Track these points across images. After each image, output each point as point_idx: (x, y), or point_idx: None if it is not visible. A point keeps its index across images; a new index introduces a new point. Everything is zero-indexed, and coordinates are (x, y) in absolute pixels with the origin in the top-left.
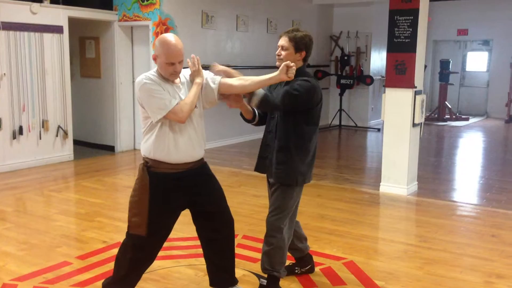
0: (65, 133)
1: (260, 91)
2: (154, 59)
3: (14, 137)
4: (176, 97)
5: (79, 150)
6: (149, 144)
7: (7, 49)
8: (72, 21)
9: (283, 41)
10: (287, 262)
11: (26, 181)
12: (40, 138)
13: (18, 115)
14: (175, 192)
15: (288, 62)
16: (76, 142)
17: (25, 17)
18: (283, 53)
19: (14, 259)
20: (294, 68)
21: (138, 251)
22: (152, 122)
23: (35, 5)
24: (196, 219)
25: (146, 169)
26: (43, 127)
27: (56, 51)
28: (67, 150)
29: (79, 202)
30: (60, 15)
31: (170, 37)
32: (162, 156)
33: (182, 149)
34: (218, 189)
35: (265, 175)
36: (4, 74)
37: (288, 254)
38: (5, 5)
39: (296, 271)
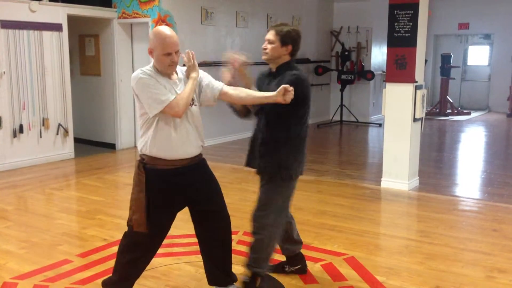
0: (66, 131)
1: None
2: (150, 52)
3: (14, 136)
4: (173, 93)
5: (80, 148)
6: (145, 140)
7: (6, 47)
8: (71, 19)
9: (270, 35)
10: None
11: (27, 179)
12: (41, 136)
13: (19, 114)
14: (172, 189)
15: (287, 86)
16: (76, 140)
17: (24, 15)
18: (269, 46)
19: (15, 257)
20: (292, 92)
21: (137, 250)
22: (149, 117)
23: (34, 3)
24: (194, 218)
25: (142, 166)
26: (43, 125)
27: (55, 49)
28: (67, 148)
29: (80, 200)
30: (59, 13)
31: (163, 28)
32: (158, 152)
33: (178, 145)
34: (216, 187)
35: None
36: (4, 72)
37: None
38: (4, 3)
39: (286, 269)
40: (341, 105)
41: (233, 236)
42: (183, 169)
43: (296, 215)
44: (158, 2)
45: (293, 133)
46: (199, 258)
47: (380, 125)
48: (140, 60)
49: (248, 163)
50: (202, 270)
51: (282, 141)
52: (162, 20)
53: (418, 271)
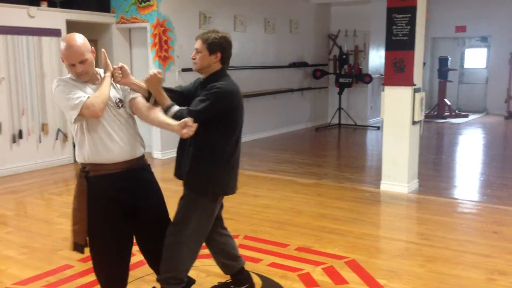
0: (65, 136)
1: (174, 109)
2: (62, 61)
3: (14, 141)
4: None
5: None
6: (81, 149)
7: (5, 53)
8: (70, 24)
9: (197, 44)
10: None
11: (27, 184)
12: (40, 142)
13: (18, 119)
14: (116, 193)
15: (188, 119)
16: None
17: (22, 20)
18: (197, 56)
19: (16, 263)
20: (193, 128)
21: (108, 265)
22: (74, 124)
23: (33, 9)
24: (136, 227)
25: (83, 175)
26: (42, 130)
27: (54, 54)
28: (67, 153)
29: None
30: (58, 18)
31: (69, 37)
32: (96, 157)
33: (112, 148)
34: (158, 194)
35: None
36: (3, 78)
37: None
38: (2, 8)
39: None
40: (339, 109)
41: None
42: (127, 172)
43: (296, 219)
44: (156, 7)
45: (219, 148)
46: (200, 262)
47: (378, 128)
48: (139, 65)
49: (176, 173)
50: (204, 274)
51: (212, 155)
52: (160, 25)
53: (419, 274)
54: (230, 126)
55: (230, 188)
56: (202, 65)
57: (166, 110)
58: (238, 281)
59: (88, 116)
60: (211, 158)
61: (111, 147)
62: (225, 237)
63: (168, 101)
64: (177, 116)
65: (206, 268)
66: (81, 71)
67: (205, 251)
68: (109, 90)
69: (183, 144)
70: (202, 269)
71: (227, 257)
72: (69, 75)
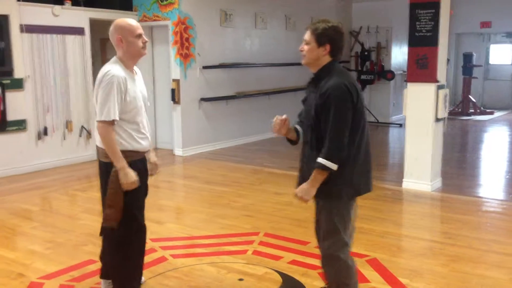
0: (88, 133)
1: (321, 161)
2: (120, 41)
3: (39, 138)
4: (136, 91)
5: None
6: (119, 136)
7: (30, 51)
8: (93, 23)
9: (306, 34)
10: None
11: (51, 180)
12: (64, 139)
13: (43, 116)
14: (146, 177)
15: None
16: None
17: (47, 19)
18: (305, 47)
19: (41, 257)
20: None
21: (138, 250)
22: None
23: (57, 8)
24: None
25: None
26: (66, 127)
27: (78, 52)
28: (90, 150)
29: None
30: (82, 17)
31: (123, 18)
32: (134, 145)
33: (144, 137)
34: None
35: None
36: (28, 76)
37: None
38: (28, 8)
39: None
40: None
41: (253, 237)
42: (145, 160)
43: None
44: (177, 5)
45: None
46: (220, 259)
47: (400, 125)
48: (160, 62)
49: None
50: (224, 271)
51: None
52: (182, 23)
53: (441, 273)
54: (354, 124)
55: (362, 187)
56: (310, 57)
57: (324, 168)
58: None
59: (99, 128)
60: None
61: (144, 136)
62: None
63: (319, 173)
64: (328, 158)
65: (226, 264)
66: (146, 41)
67: (225, 248)
68: (115, 158)
69: (303, 152)
70: (222, 266)
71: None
72: (120, 66)
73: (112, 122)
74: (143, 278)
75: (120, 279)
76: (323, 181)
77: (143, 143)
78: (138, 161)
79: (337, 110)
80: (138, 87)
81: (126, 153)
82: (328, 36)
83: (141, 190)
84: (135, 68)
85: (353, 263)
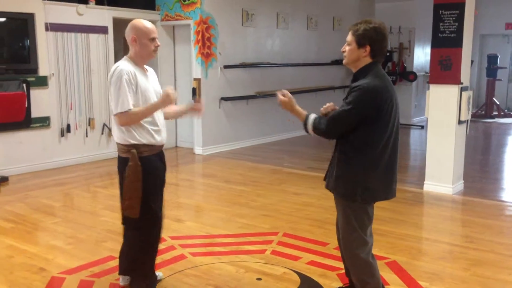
0: (110, 130)
1: (311, 117)
2: (134, 40)
3: (62, 135)
4: (147, 85)
5: None
6: (136, 131)
7: (55, 49)
8: (116, 22)
9: (348, 35)
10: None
11: (73, 177)
12: (87, 136)
13: (66, 114)
14: (163, 171)
15: (167, 90)
16: None
17: (71, 18)
18: (346, 48)
19: (62, 253)
20: (172, 96)
21: (155, 239)
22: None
23: (81, 7)
24: None
25: (137, 156)
26: (89, 125)
27: (101, 51)
28: (111, 147)
29: None
30: (105, 16)
31: (140, 19)
32: (150, 139)
33: (160, 132)
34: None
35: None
36: (53, 74)
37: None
38: (52, 6)
39: None
40: None
41: (272, 237)
42: (162, 153)
43: (336, 217)
44: (200, 4)
45: (366, 150)
46: (239, 258)
47: (422, 127)
48: (182, 61)
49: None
50: (243, 270)
51: (353, 159)
52: (203, 22)
53: (462, 278)
54: (377, 127)
55: (381, 193)
56: (350, 58)
57: (305, 122)
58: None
59: (119, 120)
60: (358, 161)
61: (160, 130)
62: None
63: (304, 113)
64: (315, 124)
65: (245, 264)
66: (158, 45)
67: (244, 247)
68: (151, 114)
69: (335, 146)
70: (240, 265)
71: None
72: (129, 62)
73: (128, 112)
74: (161, 274)
75: (139, 270)
76: (341, 180)
77: (157, 138)
78: (154, 155)
79: (352, 105)
80: (151, 83)
81: (141, 148)
82: (368, 37)
83: (157, 184)
84: (146, 66)
85: (374, 261)
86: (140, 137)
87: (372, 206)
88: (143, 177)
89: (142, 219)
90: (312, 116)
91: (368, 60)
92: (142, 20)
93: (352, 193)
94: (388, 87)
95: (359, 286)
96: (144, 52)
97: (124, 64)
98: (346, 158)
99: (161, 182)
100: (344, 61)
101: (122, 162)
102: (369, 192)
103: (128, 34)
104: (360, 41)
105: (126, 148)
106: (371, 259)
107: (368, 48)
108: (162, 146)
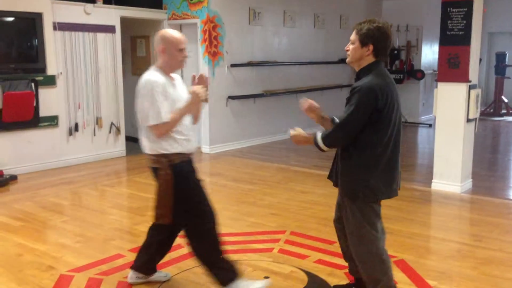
0: (118, 129)
1: (317, 136)
2: (163, 51)
3: (70, 134)
4: (176, 95)
5: (131, 146)
6: (167, 140)
7: (62, 48)
8: (123, 21)
9: (352, 34)
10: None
11: (81, 176)
12: (95, 135)
13: (74, 113)
14: (194, 177)
15: (194, 88)
16: (128, 139)
17: (79, 17)
18: (350, 47)
19: (71, 251)
20: (202, 92)
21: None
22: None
23: (89, 6)
24: None
25: (168, 164)
26: (97, 124)
27: (109, 50)
28: (119, 146)
29: (131, 197)
30: (113, 15)
31: (170, 30)
32: (180, 148)
33: (190, 140)
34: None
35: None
36: (61, 73)
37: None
38: (60, 6)
39: None
40: None
41: (280, 236)
42: (192, 161)
43: None
44: (207, 3)
45: (368, 149)
46: (247, 256)
47: (430, 125)
48: (189, 60)
49: (330, 178)
50: (250, 268)
51: (356, 157)
52: (210, 21)
53: (471, 276)
54: (379, 126)
55: (382, 191)
56: (353, 57)
57: (315, 143)
58: (361, 286)
59: (156, 131)
60: (359, 160)
61: (189, 139)
62: None
63: (310, 136)
64: (324, 139)
65: (252, 262)
66: (186, 56)
67: (251, 246)
68: (183, 117)
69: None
70: (248, 264)
71: None
72: (159, 72)
73: (164, 123)
74: (169, 274)
75: (212, 264)
76: (345, 179)
77: (186, 145)
78: (183, 163)
79: (355, 107)
80: (179, 91)
81: (170, 156)
82: (371, 37)
83: (196, 183)
84: (173, 74)
85: (388, 259)
86: (169, 147)
87: (378, 203)
88: (180, 181)
89: (200, 223)
90: (318, 135)
91: (371, 59)
92: (171, 31)
93: (354, 191)
94: (389, 86)
95: (371, 284)
96: (172, 62)
97: (154, 75)
98: (348, 156)
99: (198, 181)
100: (347, 60)
101: (154, 172)
102: (370, 190)
103: (158, 44)
104: (364, 40)
105: (156, 158)
106: (385, 256)
107: (371, 47)
108: (192, 154)
